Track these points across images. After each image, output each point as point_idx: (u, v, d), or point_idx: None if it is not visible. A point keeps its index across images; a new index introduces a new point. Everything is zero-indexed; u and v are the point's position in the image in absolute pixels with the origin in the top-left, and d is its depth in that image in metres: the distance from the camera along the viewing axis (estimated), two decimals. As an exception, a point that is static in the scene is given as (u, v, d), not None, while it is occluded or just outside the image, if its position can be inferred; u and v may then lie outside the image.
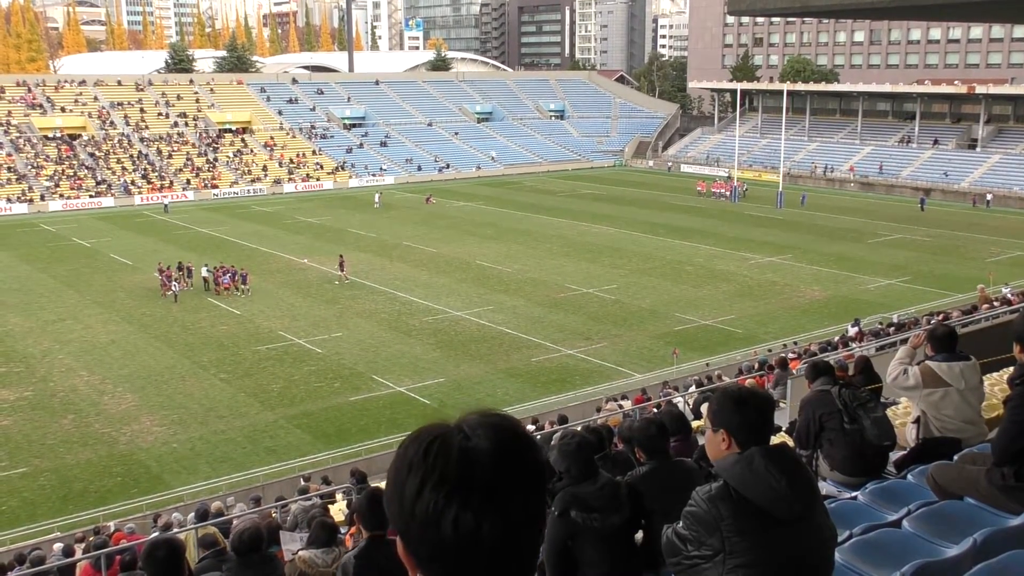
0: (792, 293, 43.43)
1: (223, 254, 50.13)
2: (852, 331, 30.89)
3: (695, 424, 13.53)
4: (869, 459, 6.31)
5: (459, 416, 1.69)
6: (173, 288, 42.39)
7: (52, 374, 32.56)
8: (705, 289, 44.04)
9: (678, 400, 21.48)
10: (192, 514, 16.14)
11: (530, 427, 21.72)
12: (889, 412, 6.76)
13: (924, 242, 56.10)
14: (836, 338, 29.50)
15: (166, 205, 72.73)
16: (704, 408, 12.70)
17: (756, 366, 25.71)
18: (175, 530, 14.78)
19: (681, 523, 3.50)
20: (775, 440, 3.80)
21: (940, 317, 27.46)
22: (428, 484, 1.59)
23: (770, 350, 30.56)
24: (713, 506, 3.34)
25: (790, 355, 25.67)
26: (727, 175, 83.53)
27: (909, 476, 5.84)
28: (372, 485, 11.84)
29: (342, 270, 45.57)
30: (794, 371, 19.30)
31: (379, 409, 29.22)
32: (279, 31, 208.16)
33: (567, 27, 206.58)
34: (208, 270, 44.12)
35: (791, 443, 8.11)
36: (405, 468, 1.63)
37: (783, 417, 14.35)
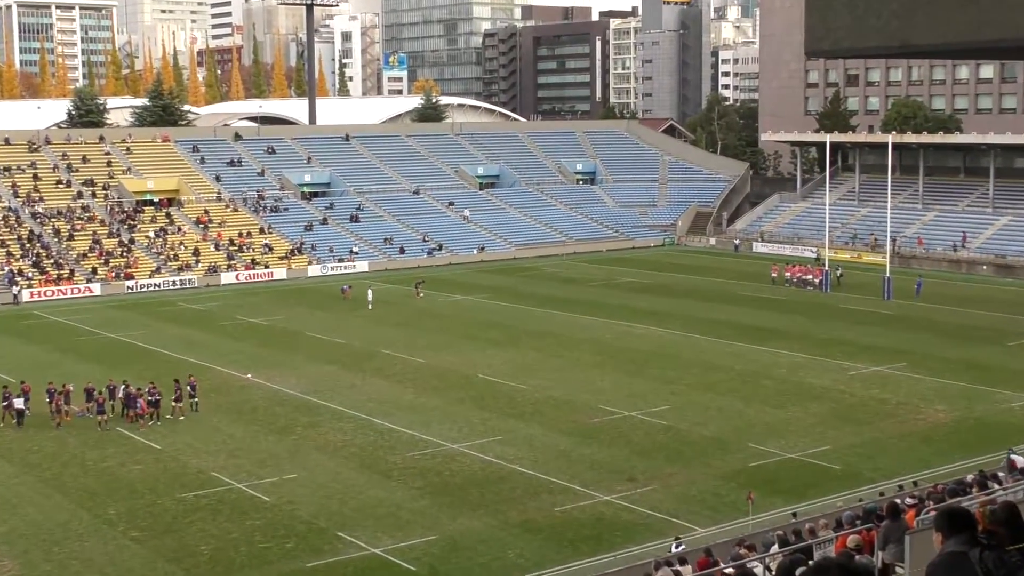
0: (908, 415, 43.22)
1: (139, 368, 50.22)
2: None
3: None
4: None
5: None
6: (16, 404, 43.18)
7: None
8: (790, 410, 43.94)
9: (754, 564, 21.20)
10: None
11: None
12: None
13: (1085, 344, 56.01)
14: (970, 476, 29.13)
15: (15, 295, 73.88)
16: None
17: (861, 516, 25.41)
18: None
19: None
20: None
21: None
22: None
23: (881, 493, 30.23)
24: None
25: (907, 501, 25.37)
26: (815, 257, 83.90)
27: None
28: None
29: (193, 394, 44.54)
30: (912, 524, 19.06)
31: (347, 579, 28.91)
32: (218, 72, 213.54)
33: (598, 63, 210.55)
34: (124, 390, 44.21)
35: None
36: None
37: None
